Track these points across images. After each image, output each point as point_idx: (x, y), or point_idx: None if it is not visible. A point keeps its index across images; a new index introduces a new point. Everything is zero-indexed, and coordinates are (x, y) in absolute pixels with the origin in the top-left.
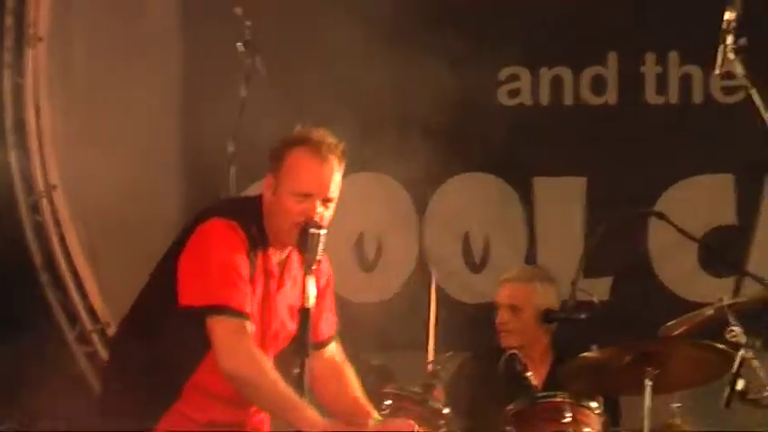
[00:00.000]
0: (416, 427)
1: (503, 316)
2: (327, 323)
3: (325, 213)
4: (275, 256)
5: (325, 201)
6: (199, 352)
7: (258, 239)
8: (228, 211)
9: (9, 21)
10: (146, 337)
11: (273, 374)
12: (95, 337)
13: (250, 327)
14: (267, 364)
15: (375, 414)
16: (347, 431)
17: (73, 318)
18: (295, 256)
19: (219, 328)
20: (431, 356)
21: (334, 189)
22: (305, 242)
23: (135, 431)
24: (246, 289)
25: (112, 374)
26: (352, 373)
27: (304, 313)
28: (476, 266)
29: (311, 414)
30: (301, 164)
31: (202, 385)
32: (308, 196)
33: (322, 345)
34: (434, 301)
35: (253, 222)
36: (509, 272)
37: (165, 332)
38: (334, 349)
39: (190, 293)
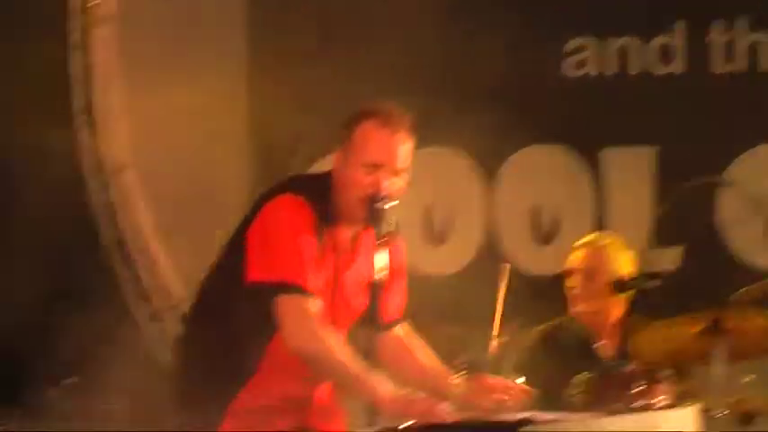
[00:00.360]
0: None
1: (575, 281)
2: (396, 305)
3: (396, 184)
4: (346, 232)
5: (396, 172)
6: (270, 328)
7: (327, 215)
8: (297, 188)
9: (77, 1)
10: (217, 314)
11: (340, 349)
12: (167, 316)
13: (316, 304)
14: (333, 339)
15: (455, 378)
16: (417, 402)
17: (144, 296)
18: (370, 231)
19: (285, 305)
20: (496, 329)
21: (405, 159)
22: (373, 216)
23: (210, 408)
24: (312, 267)
25: (185, 353)
26: (423, 345)
27: (374, 287)
28: (545, 238)
29: (381, 387)
30: (371, 135)
31: (276, 361)
32: (377, 167)
33: (390, 325)
34: (505, 275)
35: (322, 198)
36: (582, 239)
37: (237, 309)
38: (402, 328)
39: (257, 270)
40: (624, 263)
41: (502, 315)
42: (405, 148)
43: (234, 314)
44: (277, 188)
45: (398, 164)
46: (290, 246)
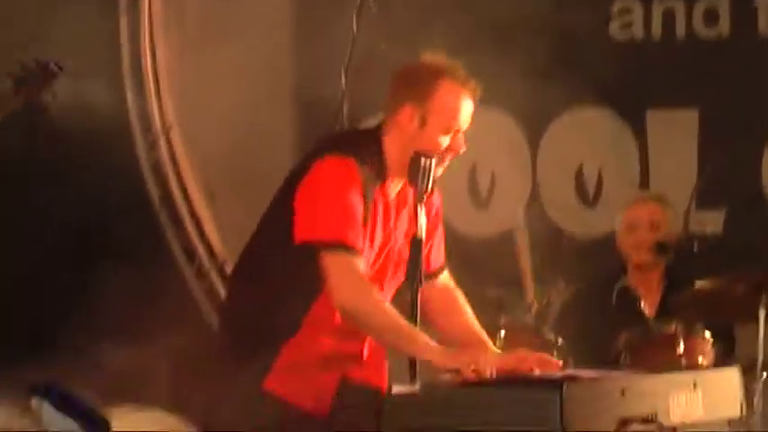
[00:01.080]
0: (534, 365)
1: (642, 234)
2: (438, 253)
3: (460, 147)
4: (392, 187)
5: (461, 134)
6: (315, 286)
7: (376, 173)
8: (344, 147)
9: None
10: (263, 273)
11: (386, 307)
12: (213, 274)
13: (362, 262)
14: (379, 297)
15: (492, 347)
16: (461, 355)
17: (191, 255)
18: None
19: (332, 263)
20: (530, 290)
21: (468, 122)
22: (416, 172)
23: (255, 364)
24: (359, 226)
25: (231, 310)
26: (465, 301)
27: (415, 243)
28: (589, 201)
29: (425, 342)
30: (454, 99)
31: (320, 318)
32: (457, 131)
33: (434, 274)
34: (523, 234)
35: (371, 155)
36: (642, 193)
37: (282, 268)
38: (446, 278)
39: (304, 230)
40: (668, 222)
41: (533, 276)
42: (471, 111)
43: (280, 271)
44: (325, 146)
45: (467, 125)
46: (338, 206)
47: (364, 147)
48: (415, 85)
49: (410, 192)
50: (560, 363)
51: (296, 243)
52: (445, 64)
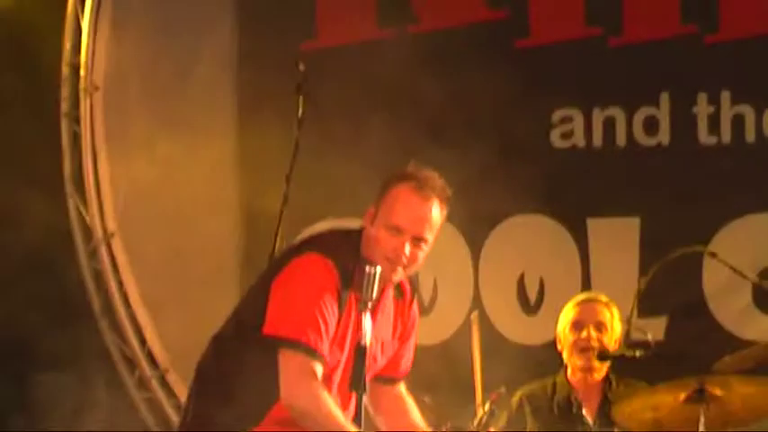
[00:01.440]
0: None
1: (590, 334)
2: (407, 361)
3: (417, 254)
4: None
5: (418, 240)
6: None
7: (353, 275)
8: (326, 246)
9: (66, 70)
10: (232, 360)
11: (332, 410)
12: (155, 384)
13: (319, 367)
14: (330, 403)
15: None
16: None
17: (131, 364)
18: (390, 292)
19: (289, 361)
20: (479, 396)
21: (429, 230)
22: (361, 279)
23: None
24: (326, 329)
25: (196, 397)
26: (416, 408)
27: (359, 351)
28: (531, 308)
29: None
30: (401, 198)
31: (283, 415)
32: (400, 232)
33: (397, 380)
34: (477, 342)
35: (350, 257)
36: (588, 294)
37: (251, 358)
38: (402, 385)
39: (272, 323)
40: (614, 325)
41: (482, 377)
42: (432, 218)
43: (248, 362)
44: (307, 244)
45: (422, 233)
46: (308, 306)
47: (344, 248)
48: (381, 187)
49: (389, 297)
50: None
51: (264, 336)
52: (410, 169)
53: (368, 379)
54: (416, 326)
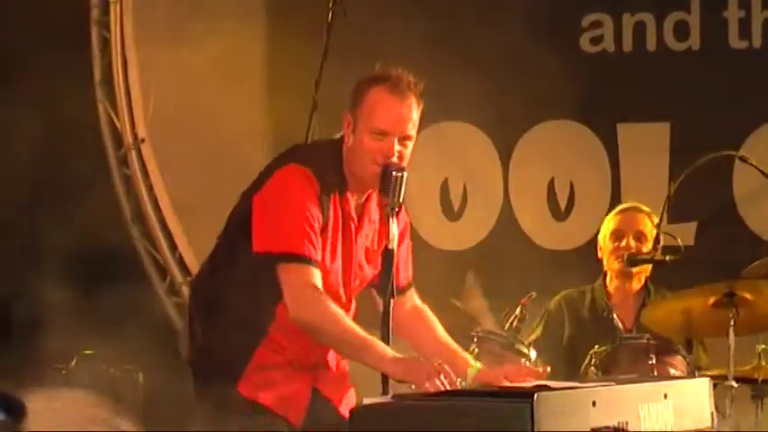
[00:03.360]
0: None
1: (629, 243)
2: (406, 270)
3: (404, 152)
4: (353, 199)
5: (403, 139)
6: (277, 295)
7: (335, 185)
8: (305, 158)
9: None
10: (227, 280)
11: (340, 318)
12: (185, 289)
13: (318, 274)
14: (334, 308)
15: (472, 361)
16: (418, 367)
17: (163, 270)
18: (374, 199)
19: (288, 275)
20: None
21: (412, 127)
22: (387, 185)
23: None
24: (315, 237)
25: (199, 317)
26: (434, 317)
27: (388, 254)
28: (561, 214)
29: (379, 353)
30: (380, 101)
31: (284, 325)
32: (385, 134)
33: (402, 290)
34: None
35: (330, 167)
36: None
37: (244, 276)
38: (413, 294)
39: (262, 240)
40: (653, 235)
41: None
42: (413, 115)
43: (242, 280)
44: (285, 157)
45: (406, 131)
46: (294, 217)
47: (324, 158)
48: (353, 94)
49: (373, 204)
50: (547, 369)
51: (254, 254)
52: (381, 71)
53: (359, 290)
54: (407, 230)
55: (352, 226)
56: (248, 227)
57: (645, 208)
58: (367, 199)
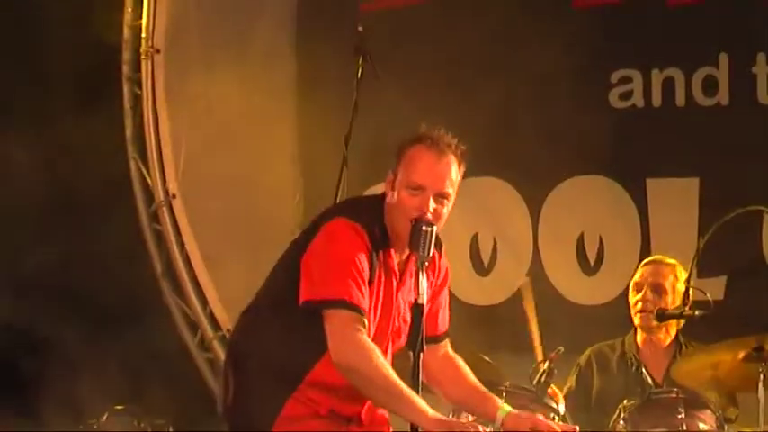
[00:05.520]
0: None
1: (646, 295)
2: (444, 318)
3: (440, 210)
4: (396, 256)
5: (440, 196)
6: (318, 348)
7: (380, 239)
8: (352, 212)
9: (127, 33)
10: (266, 332)
11: (385, 367)
12: (216, 344)
13: (365, 321)
14: (379, 356)
15: (502, 404)
16: (454, 425)
17: (194, 325)
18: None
19: (335, 320)
20: (538, 356)
21: (450, 185)
22: (417, 239)
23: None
24: (364, 287)
25: (233, 370)
26: (465, 365)
27: (417, 309)
28: (590, 269)
29: (420, 408)
30: (418, 157)
31: (320, 380)
32: (421, 189)
33: (439, 339)
34: (531, 306)
35: (375, 222)
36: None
37: (286, 328)
38: (447, 344)
39: (311, 290)
40: (676, 287)
41: (540, 335)
42: (451, 173)
43: (282, 332)
44: (333, 211)
45: (443, 188)
46: (345, 266)
47: (369, 213)
48: (397, 153)
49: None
50: (575, 429)
51: (302, 305)
52: (423, 131)
53: (402, 342)
54: (448, 279)
55: (394, 282)
56: (293, 278)
57: (670, 261)
58: (410, 254)
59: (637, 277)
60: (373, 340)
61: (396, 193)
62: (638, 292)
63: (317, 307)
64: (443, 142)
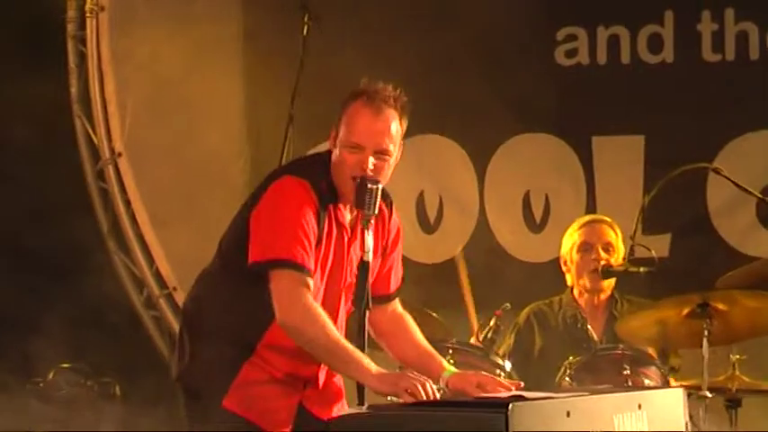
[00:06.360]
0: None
1: (599, 254)
2: (396, 277)
3: (382, 166)
4: (347, 211)
5: (380, 153)
6: (272, 309)
7: (328, 195)
8: (300, 170)
9: None
10: (219, 295)
11: (328, 328)
12: (162, 302)
13: (309, 282)
14: (323, 317)
15: (447, 365)
16: (399, 380)
17: (140, 283)
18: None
19: (280, 280)
20: (474, 324)
21: (389, 141)
22: (361, 197)
23: (213, 384)
24: (310, 247)
25: (188, 334)
26: (415, 325)
27: (362, 266)
28: (536, 226)
29: (362, 365)
30: (355, 115)
31: (276, 342)
32: (360, 148)
33: (390, 297)
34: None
35: (322, 178)
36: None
37: (239, 291)
38: (397, 301)
39: (258, 251)
40: (619, 245)
41: (474, 299)
42: (391, 130)
43: (233, 296)
44: (281, 171)
45: (382, 145)
46: (291, 225)
47: (316, 170)
48: (339, 109)
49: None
50: (520, 384)
51: (250, 265)
52: (363, 85)
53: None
54: (401, 237)
55: (345, 236)
56: (243, 243)
57: (607, 219)
58: (359, 211)
59: (581, 237)
60: (325, 295)
61: (337, 151)
62: (586, 251)
63: (263, 267)
64: (382, 96)
